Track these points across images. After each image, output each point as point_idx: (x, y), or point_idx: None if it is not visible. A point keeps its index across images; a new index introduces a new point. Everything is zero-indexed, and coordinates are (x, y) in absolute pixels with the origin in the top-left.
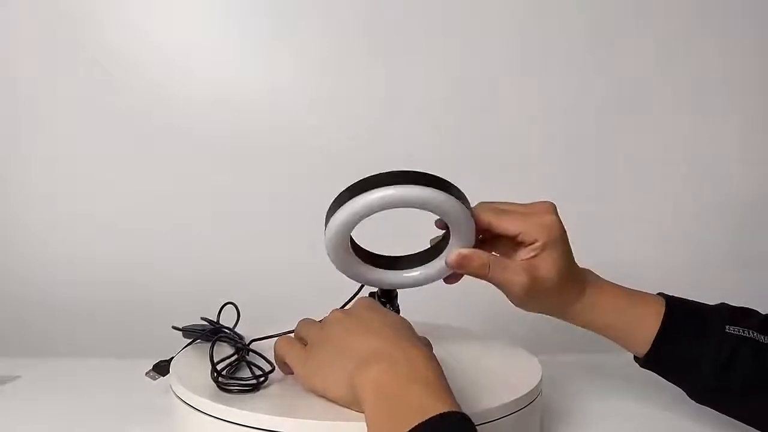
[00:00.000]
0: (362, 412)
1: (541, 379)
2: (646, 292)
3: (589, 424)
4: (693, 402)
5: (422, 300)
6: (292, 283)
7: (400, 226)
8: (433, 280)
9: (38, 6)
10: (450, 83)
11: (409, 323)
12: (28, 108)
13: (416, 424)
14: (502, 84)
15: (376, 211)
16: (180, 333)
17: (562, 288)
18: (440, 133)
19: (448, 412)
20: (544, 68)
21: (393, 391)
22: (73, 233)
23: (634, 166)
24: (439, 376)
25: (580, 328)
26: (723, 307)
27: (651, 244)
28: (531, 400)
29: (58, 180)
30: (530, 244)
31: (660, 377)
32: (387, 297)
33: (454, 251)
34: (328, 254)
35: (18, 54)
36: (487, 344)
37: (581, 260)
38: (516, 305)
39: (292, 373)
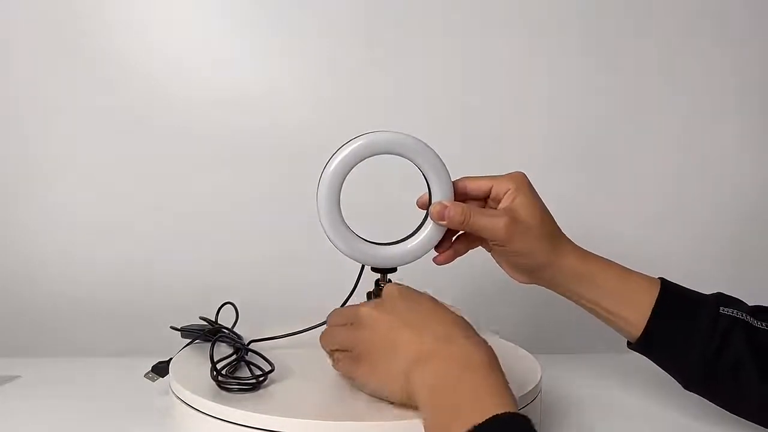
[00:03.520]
0: (417, 410)
1: (540, 379)
2: (640, 272)
3: (589, 423)
4: (692, 401)
5: None
6: (291, 284)
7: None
8: (426, 249)
9: (38, 6)
10: (450, 83)
11: (441, 304)
12: (28, 108)
13: (475, 424)
14: (502, 84)
15: (356, 161)
16: (179, 333)
17: (544, 228)
18: (440, 133)
19: (507, 413)
20: (544, 68)
21: (447, 391)
22: (73, 233)
23: (635, 165)
24: (493, 367)
25: (578, 327)
26: (716, 293)
27: (651, 244)
28: (530, 399)
29: (58, 180)
30: (504, 195)
31: (658, 375)
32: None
33: (434, 202)
34: (322, 225)
35: (18, 54)
36: None
37: None
38: (502, 258)
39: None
